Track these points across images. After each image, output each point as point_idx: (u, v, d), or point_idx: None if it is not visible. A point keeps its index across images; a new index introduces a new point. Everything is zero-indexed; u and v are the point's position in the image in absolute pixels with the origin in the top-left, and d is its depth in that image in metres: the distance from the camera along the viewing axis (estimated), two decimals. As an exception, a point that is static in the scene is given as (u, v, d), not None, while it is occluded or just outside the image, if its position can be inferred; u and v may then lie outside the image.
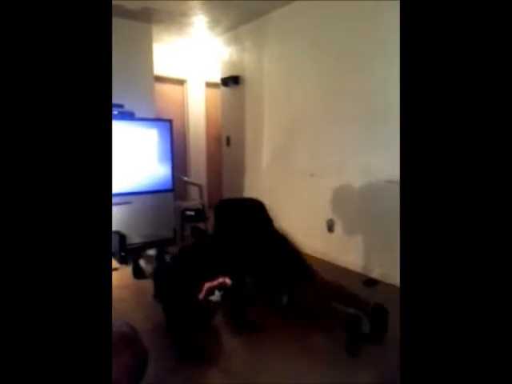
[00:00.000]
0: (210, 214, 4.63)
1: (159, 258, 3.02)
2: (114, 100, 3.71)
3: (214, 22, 4.11)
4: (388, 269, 2.78)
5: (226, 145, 4.80)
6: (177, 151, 4.54)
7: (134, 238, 3.63)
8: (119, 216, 3.52)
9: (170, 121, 3.86)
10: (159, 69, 4.62)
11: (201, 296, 1.83)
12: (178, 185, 4.27)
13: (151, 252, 3.53)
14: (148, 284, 2.61)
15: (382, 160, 2.78)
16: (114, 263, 3.35)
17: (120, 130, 3.52)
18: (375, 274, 2.92)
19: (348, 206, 3.15)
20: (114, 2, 3.43)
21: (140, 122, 3.72)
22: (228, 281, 1.88)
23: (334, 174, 3.24)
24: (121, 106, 3.74)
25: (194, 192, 5.00)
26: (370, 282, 2.83)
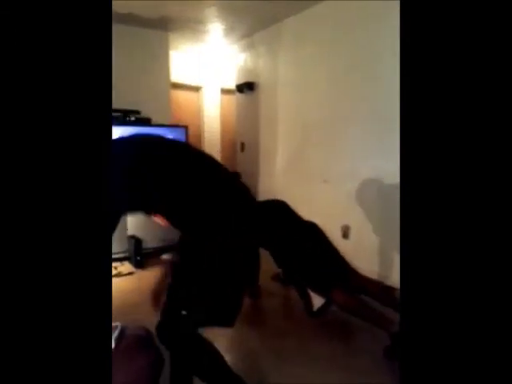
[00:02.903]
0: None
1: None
2: (132, 106, 3.79)
3: (230, 29, 4.16)
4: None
5: (241, 150, 4.83)
6: (192, 157, 4.58)
7: (150, 243, 3.67)
8: (135, 220, 3.57)
9: (185, 127, 3.91)
10: (175, 76, 4.69)
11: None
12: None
13: (166, 256, 3.57)
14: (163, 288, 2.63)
15: (395, 164, 2.74)
16: (130, 267, 3.40)
17: (137, 136, 3.58)
18: (391, 280, 2.88)
19: (363, 212, 3.13)
20: (132, 11, 3.52)
21: (156, 128, 3.78)
22: None
23: (347, 179, 3.22)
24: (138, 113, 3.81)
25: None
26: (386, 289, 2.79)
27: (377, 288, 2.19)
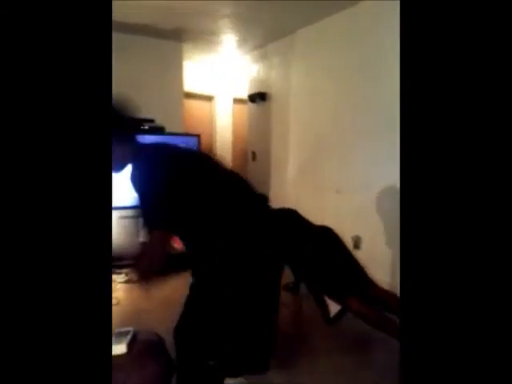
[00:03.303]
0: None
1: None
2: (145, 115, 3.86)
3: (243, 40, 4.22)
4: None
5: (252, 159, 4.86)
6: (204, 165, 4.63)
7: (161, 250, 3.69)
8: (147, 228, 3.60)
9: (198, 135, 3.96)
10: (189, 85, 4.77)
11: None
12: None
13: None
14: (176, 295, 2.64)
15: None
16: (141, 274, 3.42)
17: (150, 144, 3.64)
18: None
19: (374, 222, 3.10)
20: (147, 23, 3.61)
21: (169, 137, 3.83)
22: None
23: (360, 189, 3.21)
24: (151, 121, 3.87)
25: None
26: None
27: (394, 300, 2.15)
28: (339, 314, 2.13)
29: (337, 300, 2.10)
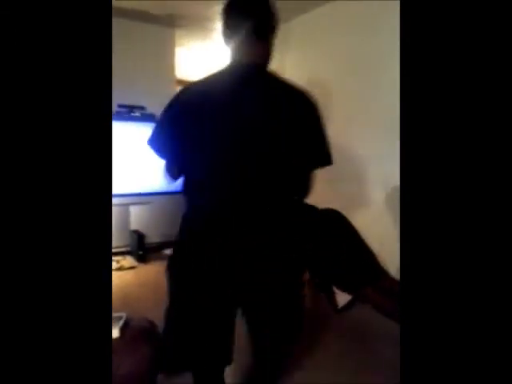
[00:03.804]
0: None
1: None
2: (136, 102, 3.81)
3: (236, 28, 4.17)
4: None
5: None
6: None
7: (153, 238, 3.69)
8: (138, 215, 3.60)
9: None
10: (181, 72, 4.71)
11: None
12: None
13: (168, 252, 3.59)
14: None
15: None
16: (132, 261, 3.42)
17: (141, 131, 3.60)
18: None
19: (368, 216, 3.08)
20: (140, 8, 3.54)
21: (161, 124, 3.79)
22: None
23: (354, 180, 3.21)
24: (142, 108, 3.83)
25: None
26: None
27: None
28: (349, 304, 2.08)
29: (349, 291, 2.02)
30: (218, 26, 4.54)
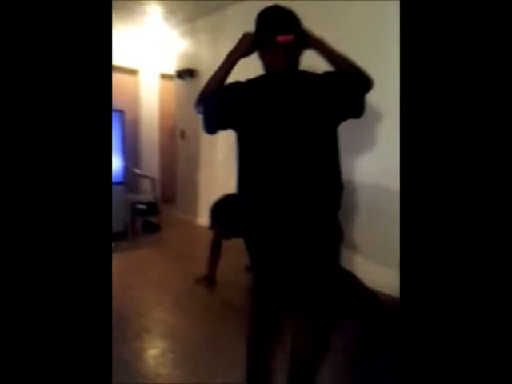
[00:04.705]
0: (163, 208, 4.55)
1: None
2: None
3: (170, 14, 4.04)
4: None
5: (181, 138, 4.75)
6: (128, 143, 4.41)
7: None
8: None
9: (121, 111, 3.75)
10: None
11: None
12: (129, 177, 4.16)
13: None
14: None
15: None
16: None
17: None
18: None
19: (363, 220, 2.85)
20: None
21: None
22: None
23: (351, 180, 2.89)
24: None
25: (146, 185, 4.90)
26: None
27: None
28: None
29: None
30: (149, 10, 4.32)
